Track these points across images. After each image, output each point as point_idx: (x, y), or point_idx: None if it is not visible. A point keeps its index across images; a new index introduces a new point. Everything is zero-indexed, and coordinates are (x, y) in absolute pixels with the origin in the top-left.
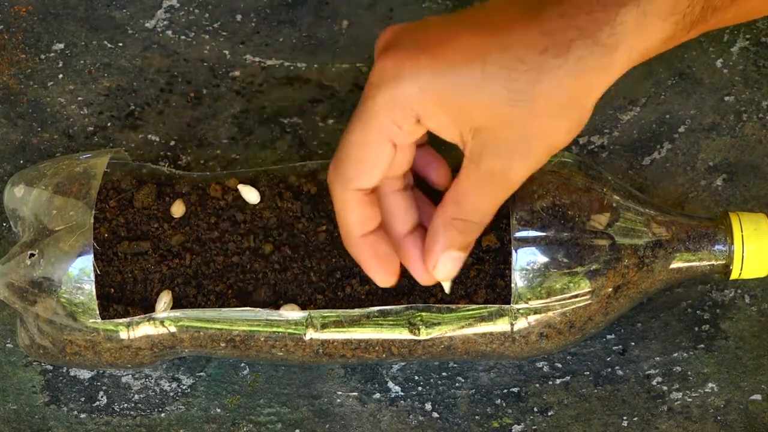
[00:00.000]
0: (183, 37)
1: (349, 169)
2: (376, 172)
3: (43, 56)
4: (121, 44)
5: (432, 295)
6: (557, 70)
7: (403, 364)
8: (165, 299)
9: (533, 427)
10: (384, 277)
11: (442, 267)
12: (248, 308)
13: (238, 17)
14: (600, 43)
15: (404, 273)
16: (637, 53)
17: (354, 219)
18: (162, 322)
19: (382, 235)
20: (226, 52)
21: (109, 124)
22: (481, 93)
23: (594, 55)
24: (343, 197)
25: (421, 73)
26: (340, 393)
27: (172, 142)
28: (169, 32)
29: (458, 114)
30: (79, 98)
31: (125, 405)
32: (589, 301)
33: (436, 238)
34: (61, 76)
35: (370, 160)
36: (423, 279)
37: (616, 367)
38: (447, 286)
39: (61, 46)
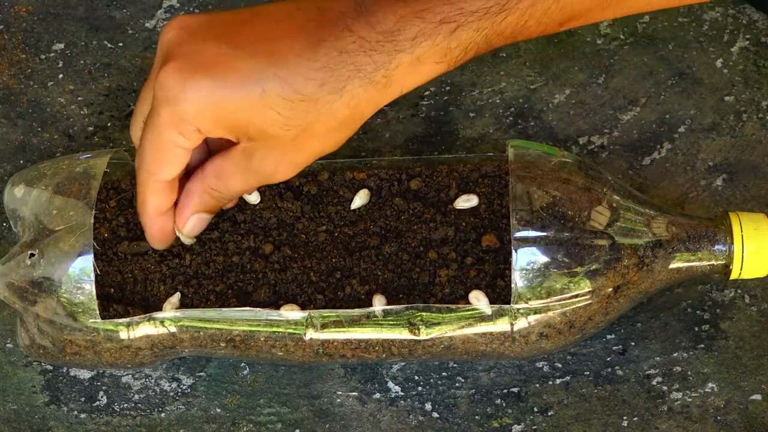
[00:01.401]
0: None
1: (150, 165)
2: (172, 170)
3: (43, 56)
4: (121, 44)
5: (432, 295)
6: (332, 104)
7: (403, 364)
8: (174, 300)
9: (533, 427)
10: (161, 246)
11: (191, 225)
12: (248, 308)
13: None
14: (374, 81)
15: (404, 274)
16: (409, 88)
17: (152, 200)
18: (162, 322)
19: (171, 215)
20: None
21: (109, 124)
22: (258, 116)
23: (368, 92)
24: (146, 184)
25: (200, 94)
26: (340, 393)
27: None
28: None
29: (234, 128)
30: (79, 98)
31: (125, 405)
32: (589, 301)
33: (191, 200)
34: (61, 76)
35: (165, 162)
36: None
37: (616, 367)
38: (188, 242)
39: (61, 46)
